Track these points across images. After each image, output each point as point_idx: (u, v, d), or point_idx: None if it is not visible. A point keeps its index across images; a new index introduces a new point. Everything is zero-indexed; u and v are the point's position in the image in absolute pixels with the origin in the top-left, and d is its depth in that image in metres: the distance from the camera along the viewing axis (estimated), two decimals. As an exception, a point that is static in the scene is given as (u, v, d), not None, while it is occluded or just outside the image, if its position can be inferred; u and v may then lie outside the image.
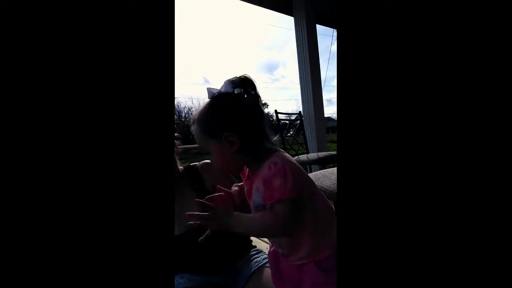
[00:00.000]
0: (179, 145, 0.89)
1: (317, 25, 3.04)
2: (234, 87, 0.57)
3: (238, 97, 0.57)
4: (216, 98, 0.58)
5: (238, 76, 0.57)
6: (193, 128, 0.59)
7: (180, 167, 0.89)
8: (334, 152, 2.33)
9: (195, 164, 0.89)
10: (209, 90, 0.58)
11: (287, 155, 0.59)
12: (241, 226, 0.55)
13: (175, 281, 0.80)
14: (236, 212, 0.56)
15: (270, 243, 0.68)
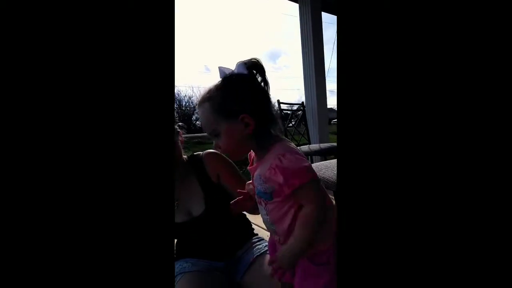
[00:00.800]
0: (183, 133, 0.89)
1: (322, 13, 2.96)
2: (249, 67, 0.55)
3: (253, 79, 0.56)
4: (230, 78, 0.55)
5: (249, 59, 0.56)
6: (200, 109, 0.57)
7: (184, 156, 0.90)
8: (336, 144, 2.32)
9: (199, 154, 0.90)
10: (221, 69, 0.56)
11: (292, 144, 0.59)
12: (297, 248, 0.54)
13: (180, 265, 0.82)
14: (284, 248, 0.55)
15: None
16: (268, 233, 1.19)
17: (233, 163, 0.90)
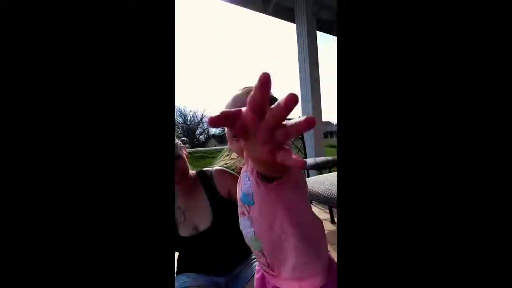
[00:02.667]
0: (187, 148, 0.93)
1: (318, 32, 3.10)
2: None
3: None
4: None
5: None
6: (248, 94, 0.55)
7: (192, 172, 0.92)
8: (331, 157, 2.35)
9: (208, 170, 0.93)
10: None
11: None
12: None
13: (181, 279, 0.84)
14: None
15: (257, 268, 0.59)
16: None
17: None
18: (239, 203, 0.52)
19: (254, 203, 0.46)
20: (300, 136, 2.58)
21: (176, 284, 0.83)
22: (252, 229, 0.49)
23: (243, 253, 0.91)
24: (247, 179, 0.46)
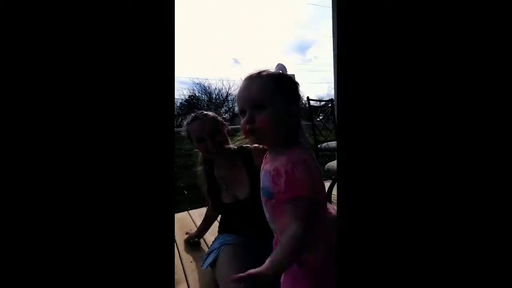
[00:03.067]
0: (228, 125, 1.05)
1: None
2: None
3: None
4: (291, 77, 0.62)
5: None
6: (261, 78, 0.58)
7: (233, 146, 1.04)
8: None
9: (248, 146, 1.03)
10: (280, 65, 0.63)
11: (311, 154, 0.60)
12: (281, 263, 0.51)
13: (223, 238, 1.01)
14: (268, 263, 0.50)
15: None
16: None
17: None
18: (261, 192, 0.63)
19: (271, 198, 0.58)
20: (331, 118, 2.49)
21: (219, 240, 1.00)
22: (268, 214, 0.63)
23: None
24: (267, 178, 0.58)
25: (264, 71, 0.60)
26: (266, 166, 0.60)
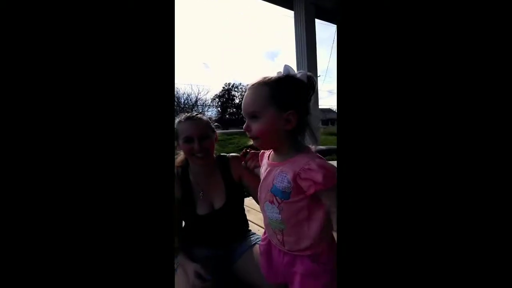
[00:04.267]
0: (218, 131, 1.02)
1: (317, 20, 3.09)
2: (309, 78, 0.61)
3: (308, 88, 0.61)
4: (293, 78, 0.60)
5: (309, 73, 0.62)
6: (254, 89, 0.60)
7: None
8: (330, 146, 2.44)
9: (225, 155, 1.04)
10: (286, 67, 0.62)
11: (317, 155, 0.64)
12: None
13: (188, 250, 0.96)
14: None
15: (262, 234, 0.77)
16: (258, 228, 1.32)
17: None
18: (266, 193, 0.64)
19: (289, 199, 0.60)
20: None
21: (182, 254, 0.93)
22: (279, 215, 0.62)
23: (243, 230, 1.07)
24: (286, 181, 0.59)
25: (262, 80, 0.60)
26: (279, 169, 0.61)
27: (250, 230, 1.10)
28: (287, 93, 0.59)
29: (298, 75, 0.60)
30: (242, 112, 0.63)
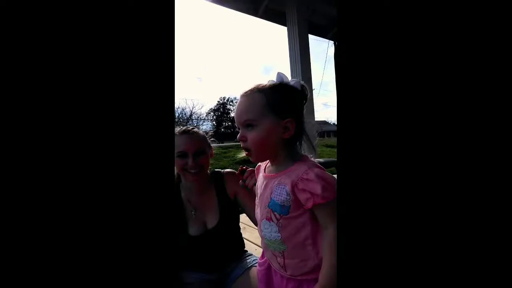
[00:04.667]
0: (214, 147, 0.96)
1: (310, 35, 3.17)
2: (301, 87, 0.60)
3: (305, 96, 0.60)
4: (287, 85, 0.59)
5: (301, 82, 0.61)
6: (248, 97, 0.58)
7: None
8: (328, 159, 2.43)
9: (220, 171, 0.98)
10: (280, 74, 0.60)
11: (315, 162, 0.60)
12: (335, 274, 0.49)
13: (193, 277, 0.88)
14: (324, 281, 0.51)
15: (260, 257, 0.70)
16: (256, 247, 1.25)
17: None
18: (263, 209, 0.59)
19: (288, 214, 0.55)
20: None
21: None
22: (279, 234, 0.56)
23: (238, 251, 0.98)
24: (285, 193, 0.54)
25: (256, 87, 0.58)
26: (276, 181, 0.57)
27: (246, 251, 1.03)
28: (284, 100, 0.56)
29: (292, 83, 0.59)
30: (235, 121, 0.59)
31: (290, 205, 0.54)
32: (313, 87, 3.17)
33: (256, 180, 0.70)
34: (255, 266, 0.88)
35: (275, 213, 0.56)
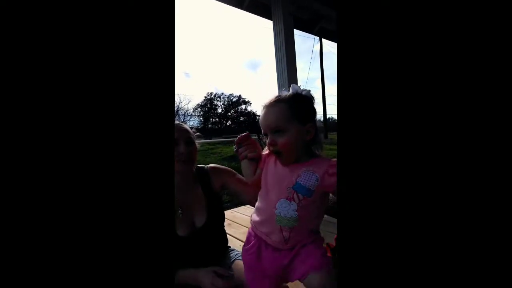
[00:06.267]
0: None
1: (296, 29, 3.16)
2: (311, 96, 0.73)
3: (313, 103, 0.74)
4: (302, 95, 0.71)
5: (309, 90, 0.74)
6: (275, 107, 0.69)
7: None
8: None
9: (204, 166, 0.97)
10: (294, 86, 0.73)
11: None
12: None
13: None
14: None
15: (244, 243, 0.77)
16: (240, 243, 1.26)
17: (233, 170, 0.98)
18: (284, 190, 0.68)
19: (311, 197, 0.67)
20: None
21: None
22: (296, 213, 0.67)
23: (219, 249, 0.98)
24: (314, 178, 0.66)
25: (278, 98, 0.70)
26: (304, 169, 0.68)
27: (229, 247, 1.03)
28: (304, 108, 0.69)
29: (304, 93, 0.71)
30: (262, 128, 0.71)
31: (314, 190, 0.66)
32: (299, 84, 3.17)
33: (250, 153, 0.76)
34: (239, 259, 0.90)
35: (299, 194, 0.67)
